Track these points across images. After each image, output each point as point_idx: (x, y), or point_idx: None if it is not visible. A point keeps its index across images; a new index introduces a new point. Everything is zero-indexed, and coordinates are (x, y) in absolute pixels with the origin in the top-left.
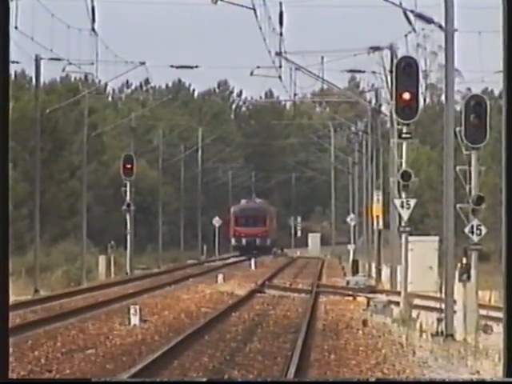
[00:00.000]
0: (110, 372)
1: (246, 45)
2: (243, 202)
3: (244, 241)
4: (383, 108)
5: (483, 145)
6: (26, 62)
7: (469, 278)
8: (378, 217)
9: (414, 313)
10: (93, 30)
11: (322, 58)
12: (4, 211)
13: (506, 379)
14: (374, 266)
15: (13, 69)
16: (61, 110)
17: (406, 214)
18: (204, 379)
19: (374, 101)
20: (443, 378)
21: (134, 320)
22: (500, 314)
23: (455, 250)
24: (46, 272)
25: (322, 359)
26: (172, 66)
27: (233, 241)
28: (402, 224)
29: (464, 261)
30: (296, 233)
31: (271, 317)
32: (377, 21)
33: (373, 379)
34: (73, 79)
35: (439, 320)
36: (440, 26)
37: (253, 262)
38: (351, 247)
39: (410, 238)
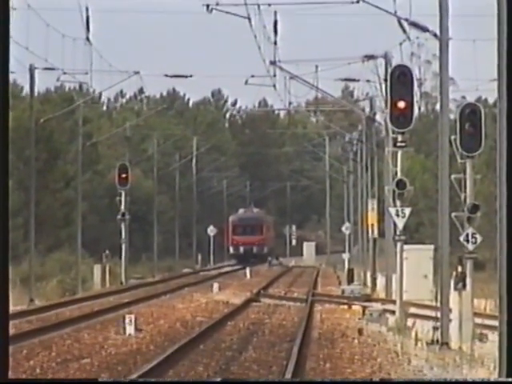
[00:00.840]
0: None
1: (241, 54)
2: (241, 211)
3: (242, 249)
4: (378, 116)
5: (478, 153)
6: (21, 71)
7: (464, 286)
8: (372, 225)
9: (410, 321)
10: (87, 39)
11: (317, 66)
12: (4, 220)
13: (506, 379)
14: (369, 274)
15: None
16: (55, 120)
17: (401, 223)
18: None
19: (368, 109)
20: (444, 378)
21: (129, 329)
22: (495, 323)
23: (450, 259)
24: (40, 282)
25: (317, 368)
26: (166, 76)
27: (231, 249)
28: (397, 232)
29: (459, 269)
30: (291, 241)
31: (266, 326)
32: (371, 29)
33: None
34: (67, 89)
35: (435, 328)
36: (435, 35)
37: (248, 270)
38: (346, 256)
39: (405, 247)
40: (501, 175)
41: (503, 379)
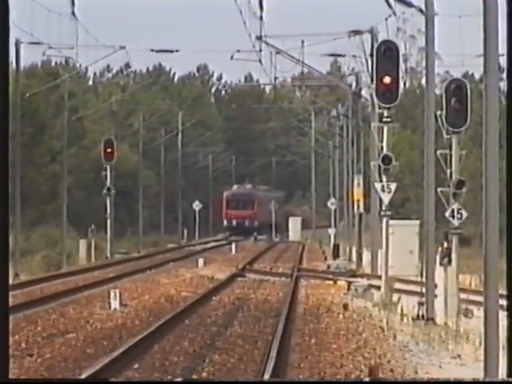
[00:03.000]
0: (91, 356)
1: (226, 29)
2: (235, 187)
3: (234, 222)
4: (364, 92)
5: (464, 129)
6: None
7: (449, 262)
8: (358, 201)
9: (395, 297)
10: (73, 13)
11: (303, 41)
12: (4, 217)
13: (507, 379)
14: (354, 249)
15: None
16: (41, 94)
17: (386, 198)
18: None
19: (354, 84)
20: (448, 378)
21: (114, 304)
22: (480, 298)
23: (436, 234)
24: (26, 256)
25: (302, 343)
26: (152, 50)
27: (224, 222)
28: (383, 208)
29: (445, 245)
30: (276, 216)
31: (252, 301)
32: (357, 4)
33: (372, 379)
34: (53, 63)
35: (420, 304)
36: (420, 10)
37: (233, 246)
38: (332, 231)
39: (391, 222)
40: (486, 151)
41: (503, 379)
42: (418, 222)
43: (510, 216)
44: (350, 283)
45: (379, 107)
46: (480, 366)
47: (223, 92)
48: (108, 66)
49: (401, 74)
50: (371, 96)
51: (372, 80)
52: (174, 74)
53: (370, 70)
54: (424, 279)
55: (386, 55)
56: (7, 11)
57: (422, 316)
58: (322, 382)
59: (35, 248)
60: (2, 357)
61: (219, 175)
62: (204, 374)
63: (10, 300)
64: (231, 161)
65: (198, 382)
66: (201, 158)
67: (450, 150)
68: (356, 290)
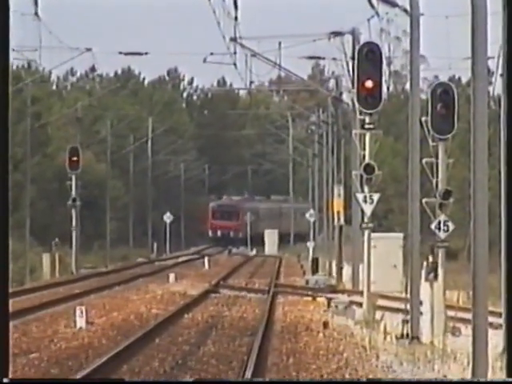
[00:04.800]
0: (55, 377)
1: (199, 30)
2: (224, 198)
3: (219, 233)
4: (344, 97)
5: (451, 135)
6: None
7: (436, 277)
8: (339, 212)
9: (378, 314)
10: (36, 14)
11: (280, 43)
12: (4, 218)
13: (507, 379)
14: (334, 264)
15: None
16: None
17: (368, 210)
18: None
19: (335, 89)
20: (448, 378)
21: (80, 322)
22: (469, 316)
23: (421, 248)
24: None
25: (279, 363)
26: (120, 53)
27: (210, 232)
28: (365, 220)
29: (430, 259)
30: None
31: (226, 318)
32: (338, 4)
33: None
34: (15, 67)
35: (404, 322)
36: (405, 10)
37: (206, 260)
38: (311, 244)
39: (373, 235)
40: (475, 159)
41: (504, 379)
42: (401, 234)
43: (509, 224)
44: (329, 300)
45: (361, 113)
46: None
47: (195, 97)
48: (72, 69)
49: (384, 78)
50: (352, 101)
51: (353, 84)
52: (144, 78)
53: (350, 73)
54: (408, 295)
55: (368, 58)
56: (7, 13)
57: (407, 334)
58: (322, 382)
59: None
60: (1, 357)
61: (192, 185)
62: None
63: None
64: (204, 170)
65: (198, 382)
66: (172, 166)
67: (437, 158)
68: (336, 306)
